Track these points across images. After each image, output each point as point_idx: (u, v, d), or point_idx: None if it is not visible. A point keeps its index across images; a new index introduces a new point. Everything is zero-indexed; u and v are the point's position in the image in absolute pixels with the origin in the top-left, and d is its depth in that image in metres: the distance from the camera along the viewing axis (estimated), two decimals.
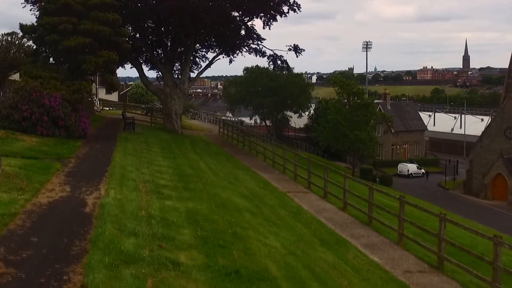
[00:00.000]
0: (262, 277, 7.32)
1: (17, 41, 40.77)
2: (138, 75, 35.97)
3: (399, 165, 55.74)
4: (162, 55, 33.78)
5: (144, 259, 7.24)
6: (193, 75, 35.10)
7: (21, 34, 39.85)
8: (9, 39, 41.24)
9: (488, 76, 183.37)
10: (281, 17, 31.34)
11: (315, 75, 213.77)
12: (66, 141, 19.03)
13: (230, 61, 35.33)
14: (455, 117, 78.22)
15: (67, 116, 19.78)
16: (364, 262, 11.28)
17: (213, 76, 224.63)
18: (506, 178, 43.85)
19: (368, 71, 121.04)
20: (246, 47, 33.89)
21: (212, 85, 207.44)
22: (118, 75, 68.14)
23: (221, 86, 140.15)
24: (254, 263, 7.98)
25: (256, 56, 33.93)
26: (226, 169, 20.45)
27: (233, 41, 32.65)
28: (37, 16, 25.99)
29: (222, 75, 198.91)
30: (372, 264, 11.30)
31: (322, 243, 11.95)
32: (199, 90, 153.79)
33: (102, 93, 69.06)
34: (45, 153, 15.97)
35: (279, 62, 33.95)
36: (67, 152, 16.66)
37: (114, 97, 74.03)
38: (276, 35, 58.65)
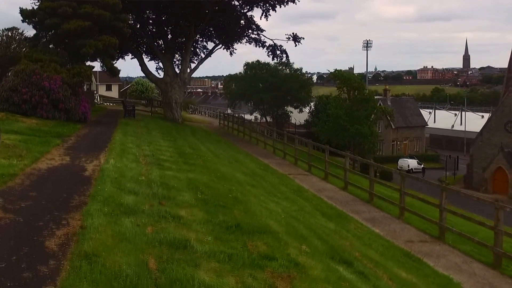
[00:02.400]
0: (263, 231, 7.25)
1: (17, 37, 40.75)
2: (138, 76, 36.05)
3: (399, 160, 55.64)
4: (163, 45, 33.74)
5: (144, 211, 7.19)
6: (193, 66, 35.02)
7: (21, 30, 39.91)
8: (10, 34, 41.22)
9: (488, 75, 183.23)
10: (279, 7, 31.37)
11: (315, 75, 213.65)
12: (66, 123, 18.97)
13: (231, 54, 35.29)
14: (455, 114, 78.12)
15: (67, 99, 19.73)
16: (365, 232, 11.22)
17: (213, 76, 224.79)
18: (506, 172, 43.78)
19: (368, 71, 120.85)
20: (246, 37, 33.88)
21: (213, 85, 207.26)
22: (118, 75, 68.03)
23: (221, 86, 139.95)
24: (255, 220, 7.92)
25: (256, 46, 33.91)
26: (227, 153, 20.40)
27: (233, 30, 32.62)
28: (37, 5, 25.95)
29: (223, 75, 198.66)
30: (374, 234, 11.25)
31: (323, 215, 11.89)
32: (199, 90, 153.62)
33: (102, 90, 69.19)
34: (45, 132, 15.92)
35: (278, 52, 33.94)
36: (67, 132, 16.63)
37: (114, 93, 74.08)
38: (277, 35, 58.70)
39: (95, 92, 56.56)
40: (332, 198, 14.92)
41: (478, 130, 50.99)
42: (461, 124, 70.52)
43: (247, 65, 57.41)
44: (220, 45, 34.30)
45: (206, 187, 10.07)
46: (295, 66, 57.63)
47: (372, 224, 12.28)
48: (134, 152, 13.23)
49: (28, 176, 8.86)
